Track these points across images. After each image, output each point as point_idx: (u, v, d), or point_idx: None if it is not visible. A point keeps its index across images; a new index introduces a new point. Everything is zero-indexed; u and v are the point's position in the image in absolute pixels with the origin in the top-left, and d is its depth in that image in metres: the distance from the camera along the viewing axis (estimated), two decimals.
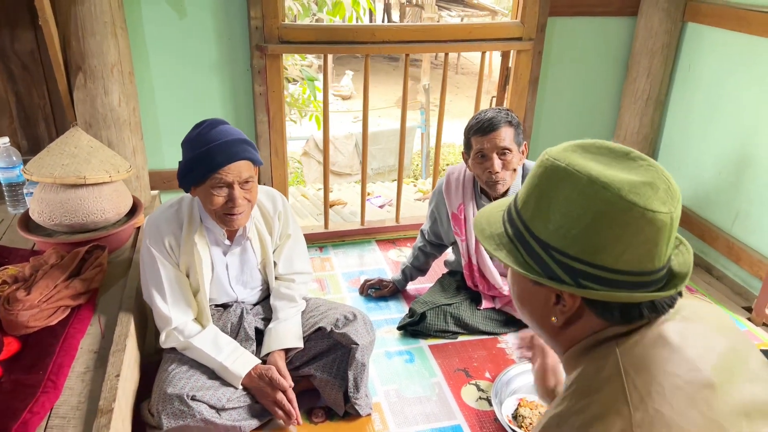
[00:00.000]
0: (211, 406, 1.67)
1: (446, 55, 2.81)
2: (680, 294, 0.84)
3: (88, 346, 1.64)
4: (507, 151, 2.03)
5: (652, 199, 0.76)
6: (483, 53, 2.83)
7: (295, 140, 7.10)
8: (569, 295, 0.82)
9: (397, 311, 2.44)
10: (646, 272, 0.79)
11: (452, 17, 14.02)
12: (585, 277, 0.79)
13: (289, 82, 5.35)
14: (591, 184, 0.77)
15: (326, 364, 1.86)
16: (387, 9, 14.63)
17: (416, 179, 6.38)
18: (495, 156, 2.02)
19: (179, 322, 1.76)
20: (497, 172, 2.03)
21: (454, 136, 8.31)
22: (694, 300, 0.90)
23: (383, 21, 14.21)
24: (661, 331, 0.81)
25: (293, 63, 5.57)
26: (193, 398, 1.64)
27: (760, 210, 2.49)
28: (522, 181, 2.16)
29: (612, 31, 2.93)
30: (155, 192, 2.56)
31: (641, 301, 0.80)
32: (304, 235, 2.07)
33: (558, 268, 0.80)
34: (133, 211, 2.15)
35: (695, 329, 0.83)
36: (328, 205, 2.97)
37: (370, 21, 11.63)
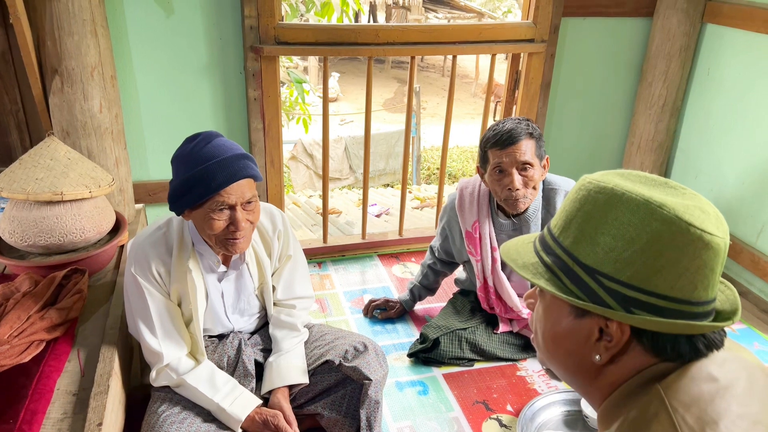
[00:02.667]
0: None
1: (454, 58, 2.64)
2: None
3: (65, 387, 1.46)
4: (528, 166, 1.86)
5: (706, 222, 0.72)
6: (493, 56, 2.66)
7: (283, 144, 6.90)
8: (617, 325, 0.76)
9: (405, 335, 2.26)
10: (700, 302, 0.74)
11: (438, 19, 13.92)
12: (636, 305, 0.73)
13: None
14: (646, 204, 0.73)
15: (335, 402, 1.68)
16: (372, 10, 14.47)
17: (408, 185, 6.22)
18: (515, 171, 1.86)
19: (172, 358, 1.57)
20: (517, 189, 1.86)
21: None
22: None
23: (368, 22, 14.06)
24: (702, 365, 0.76)
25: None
26: None
27: None
28: (543, 198, 2.00)
29: (626, 33, 2.79)
30: (140, 206, 2.37)
31: (697, 334, 0.75)
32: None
33: (607, 295, 0.74)
34: (117, 228, 1.98)
35: (732, 364, 0.78)
36: (327, 217, 2.79)
37: (356, 21, 11.51)
